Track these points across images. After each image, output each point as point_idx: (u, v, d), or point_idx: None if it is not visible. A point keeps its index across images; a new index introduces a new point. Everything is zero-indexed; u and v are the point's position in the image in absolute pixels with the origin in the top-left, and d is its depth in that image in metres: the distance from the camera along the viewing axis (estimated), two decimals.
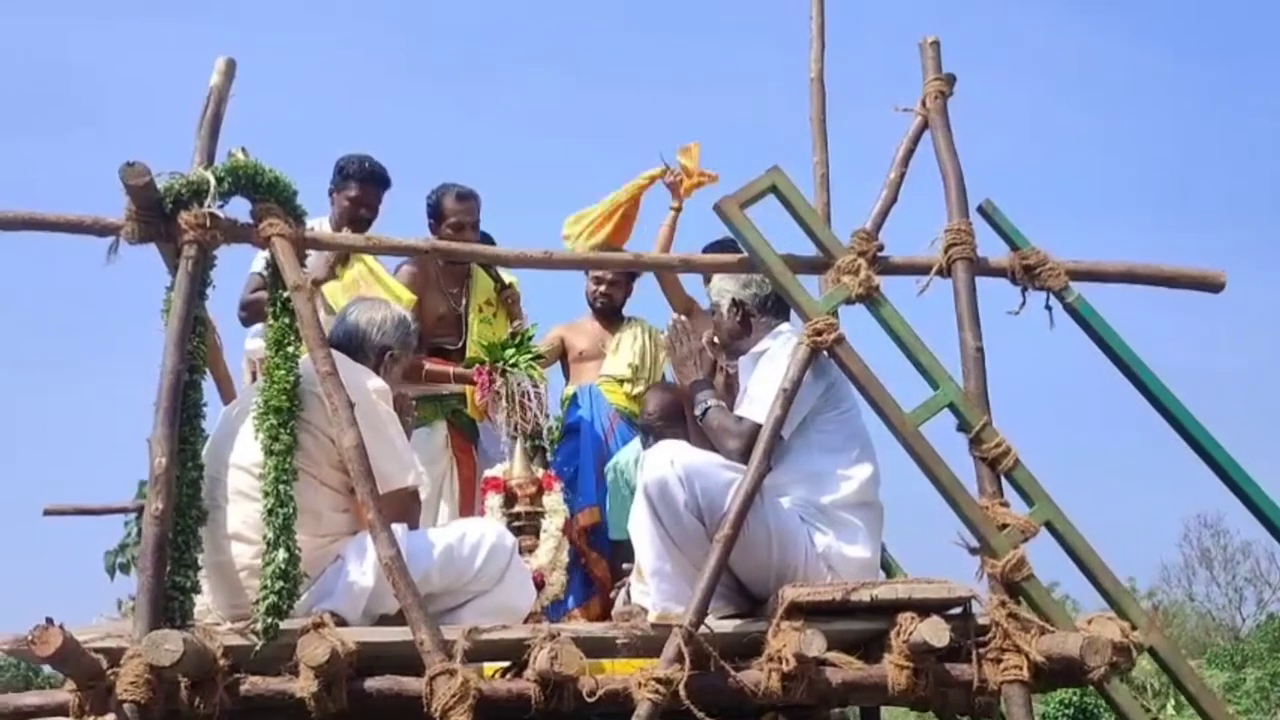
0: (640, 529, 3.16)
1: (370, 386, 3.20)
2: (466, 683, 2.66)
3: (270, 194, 3.13)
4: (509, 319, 4.87)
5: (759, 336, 3.51)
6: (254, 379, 4.35)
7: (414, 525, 3.22)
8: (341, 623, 2.90)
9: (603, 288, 5.17)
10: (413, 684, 2.72)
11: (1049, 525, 3.06)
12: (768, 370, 3.28)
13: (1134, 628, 2.94)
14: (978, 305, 3.28)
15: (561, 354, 5.26)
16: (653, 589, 3.13)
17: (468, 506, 4.62)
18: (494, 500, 4.42)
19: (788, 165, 3.42)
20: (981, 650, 2.91)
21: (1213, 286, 3.50)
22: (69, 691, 2.72)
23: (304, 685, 2.69)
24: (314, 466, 3.07)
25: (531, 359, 4.56)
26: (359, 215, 4.62)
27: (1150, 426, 3.43)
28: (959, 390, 3.17)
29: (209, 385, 3.19)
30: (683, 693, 2.72)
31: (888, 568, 4.14)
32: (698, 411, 3.38)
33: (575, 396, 5.10)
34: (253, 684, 2.74)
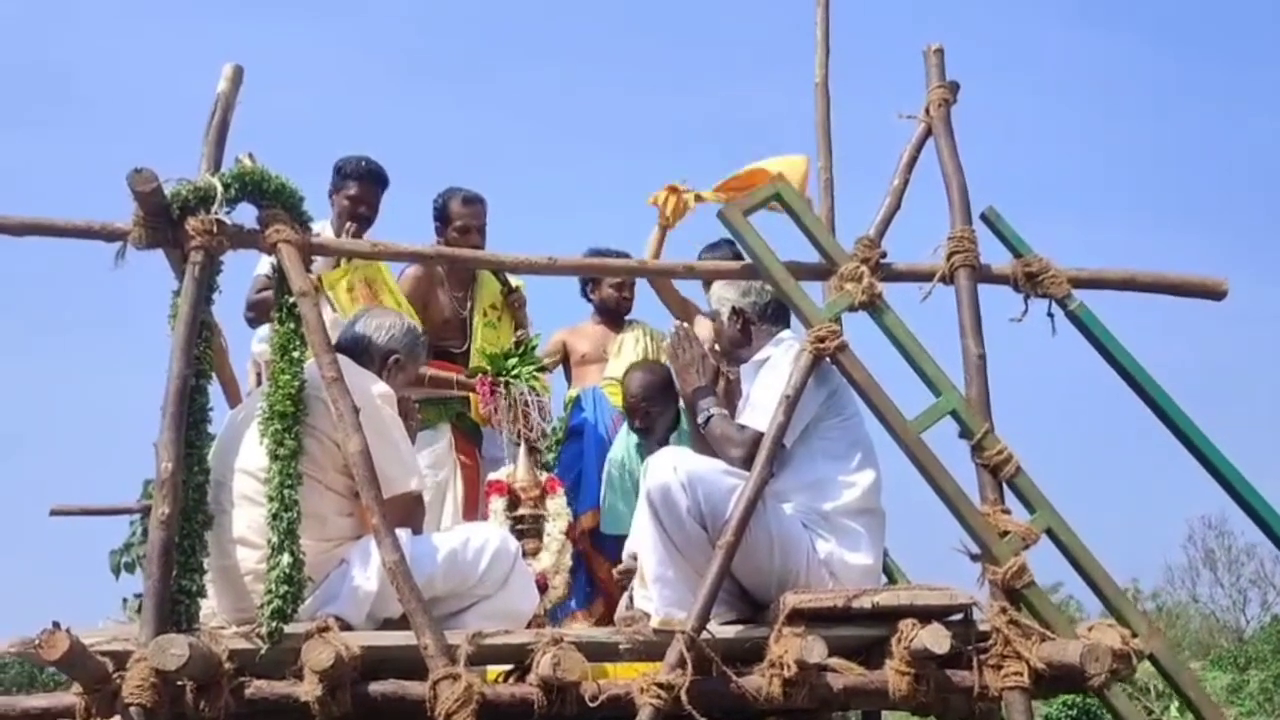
0: (643, 534, 3.18)
1: (375, 391, 3.21)
2: (470, 687, 2.68)
3: (277, 200, 3.15)
4: (514, 323, 4.89)
5: (760, 344, 3.52)
6: (259, 382, 4.37)
7: (418, 529, 3.23)
8: (346, 627, 2.91)
9: (625, 292, 5.22)
10: (416, 688, 2.74)
11: (1050, 532, 3.08)
12: (770, 378, 3.29)
13: (1134, 634, 2.96)
14: (980, 312, 3.30)
15: (564, 358, 5.29)
16: (655, 594, 3.14)
17: (471, 510, 4.63)
18: (498, 503, 4.43)
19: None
20: (982, 656, 2.93)
21: (1215, 294, 3.51)
22: (75, 694, 2.74)
23: (308, 689, 2.71)
24: (319, 471, 3.09)
25: (534, 369, 4.58)
26: (359, 214, 4.64)
27: (1154, 429, 3.45)
28: (961, 397, 3.18)
29: (215, 389, 3.20)
30: (684, 698, 2.74)
31: (890, 573, 4.16)
32: (700, 420, 3.40)
33: (579, 399, 5.12)
34: (257, 687, 2.77)
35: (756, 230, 3.31)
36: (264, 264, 4.01)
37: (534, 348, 4.73)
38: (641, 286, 5.27)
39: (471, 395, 4.64)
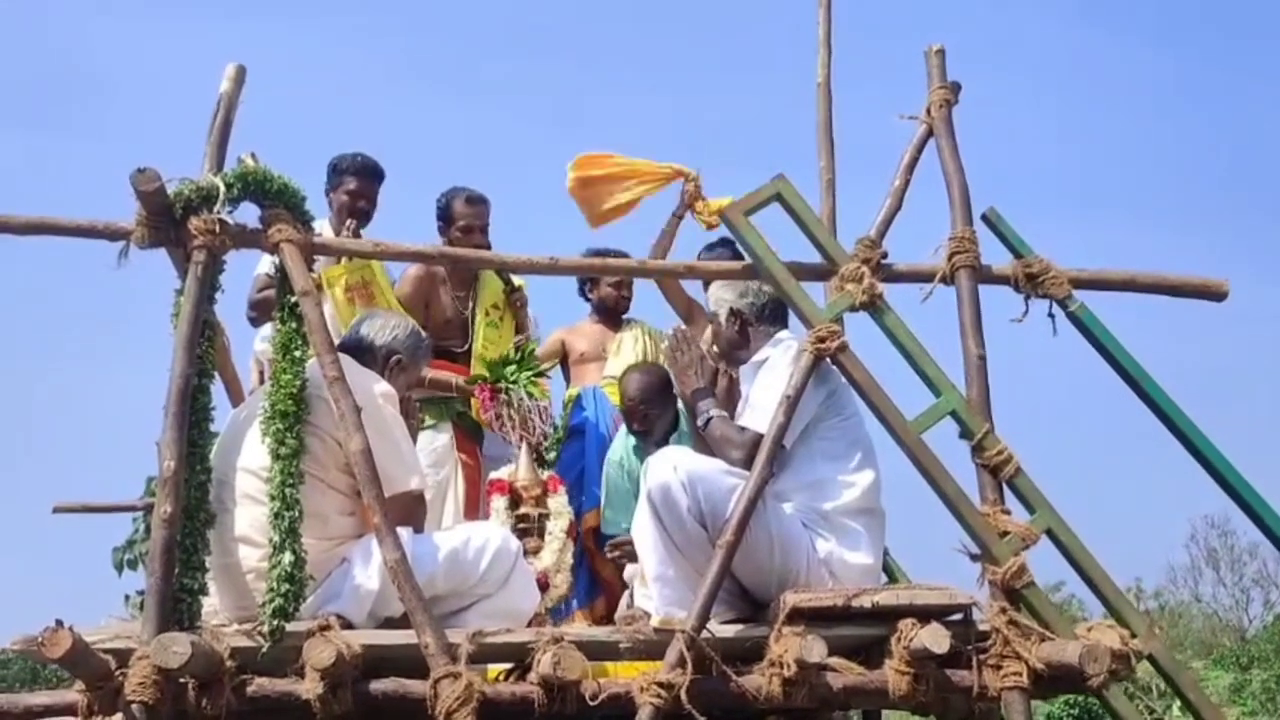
0: (643, 534, 3.19)
1: (376, 390, 3.22)
2: (470, 685, 2.69)
3: (279, 200, 3.16)
4: (516, 323, 4.91)
5: (758, 345, 3.53)
6: (262, 380, 4.39)
7: (419, 528, 3.24)
8: (347, 625, 2.93)
9: (623, 291, 5.26)
10: (417, 686, 2.75)
11: (1050, 533, 3.08)
12: (769, 379, 3.30)
13: (1133, 635, 2.96)
14: (980, 313, 3.30)
15: (563, 356, 5.31)
16: (655, 594, 3.15)
17: (472, 508, 4.64)
18: (499, 502, 4.44)
19: (793, 171, 3.46)
20: (982, 656, 2.94)
21: (1215, 295, 3.51)
22: (78, 692, 2.75)
23: (310, 687, 2.72)
24: (321, 470, 3.10)
25: (532, 376, 4.60)
26: (358, 209, 4.68)
27: (1157, 428, 3.45)
28: (961, 398, 3.18)
29: (218, 388, 3.21)
30: (684, 697, 2.75)
31: (890, 572, 4.16)
32: (700, 421, 3.40)
33: (579, 398, 5.13)
34: (259, 685, 2.77)
35: (758, 230, 3.32)
36: (265, 263, 4.02)
37: (533, 353, 4.75)
38: (641, 287, 5.29)
39: (472, 398, 4.66)
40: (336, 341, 3.38)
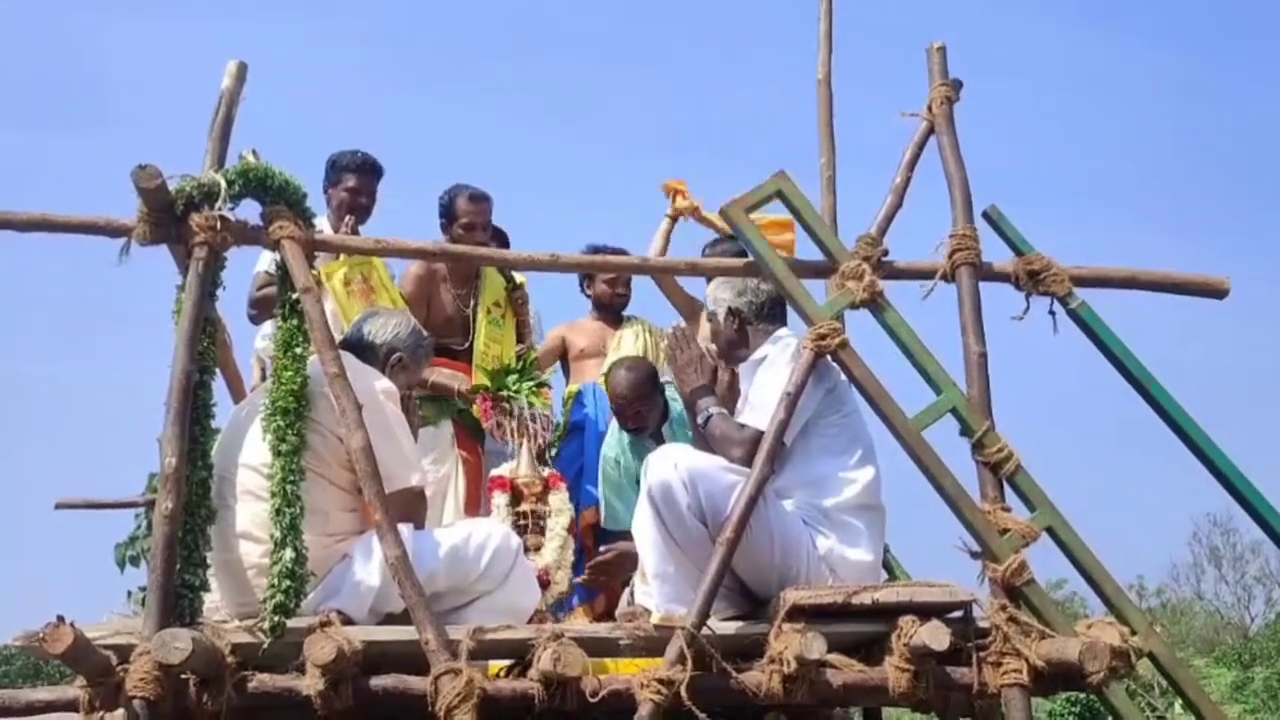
0: (643, 531, 3.19)
1: (378, 387, 3.23)
2: (471, 682, 2.69)
3: (280, 196, 3.16)
4: (517, 320, 4.92)
5: (757, 343, 3.53)
6: (263, 377, 4.39)
7: (419, 525, 3.25)
8: (348, 621, 2.93)
9: (619, 289, 5.29)
10: (418, 683, 2.75)
11: (1050, 530, 3.08)
12: (768, 376, 3.30)
13: (1133, 633, 2.96)
14: (981, 310, 3.30)
15: (562, 353, 5.32)
16: (656, 591, 3.15)
17: (473, 505, 4.65)
18: (500, 499, 4.45)
19: (793, 168, 3.46)
20: (982, 654, 2.94)
21: (1217, 293, 3.51)
22: (79, 687, 2.76)
23: (310, 683, 2.72)
24: (322, 466, 3.10)
25: (534, 386, 4.61)
26: (359, 204, 4.70)
27: (1158, 426, 3.45)
28: (962, 395, 3.18)
29: (219, 385, 3.22)
30: (684, 694, 2.75)
31: (890, 569, 4.17)
32: (700, 420, 3.40)
33: (579, 394, 5.14)
34: (260, 681, 2.78)
35: (758, 228, 3.32)
36: (264, 261, 4.03)
37: (534, 362, 4.78)
38: (641, 284, 5.30)
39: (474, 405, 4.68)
40: (339, 336, 3.39)
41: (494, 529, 3.38)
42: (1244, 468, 3.35)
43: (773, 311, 3.57)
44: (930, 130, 3.53)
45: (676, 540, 3.13)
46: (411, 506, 3.22)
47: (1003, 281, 3.42)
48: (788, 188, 3.34)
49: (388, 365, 3.44)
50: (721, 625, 3.01)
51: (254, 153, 3.21)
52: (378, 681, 2.79)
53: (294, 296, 3.14)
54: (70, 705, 2.81)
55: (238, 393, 4.11)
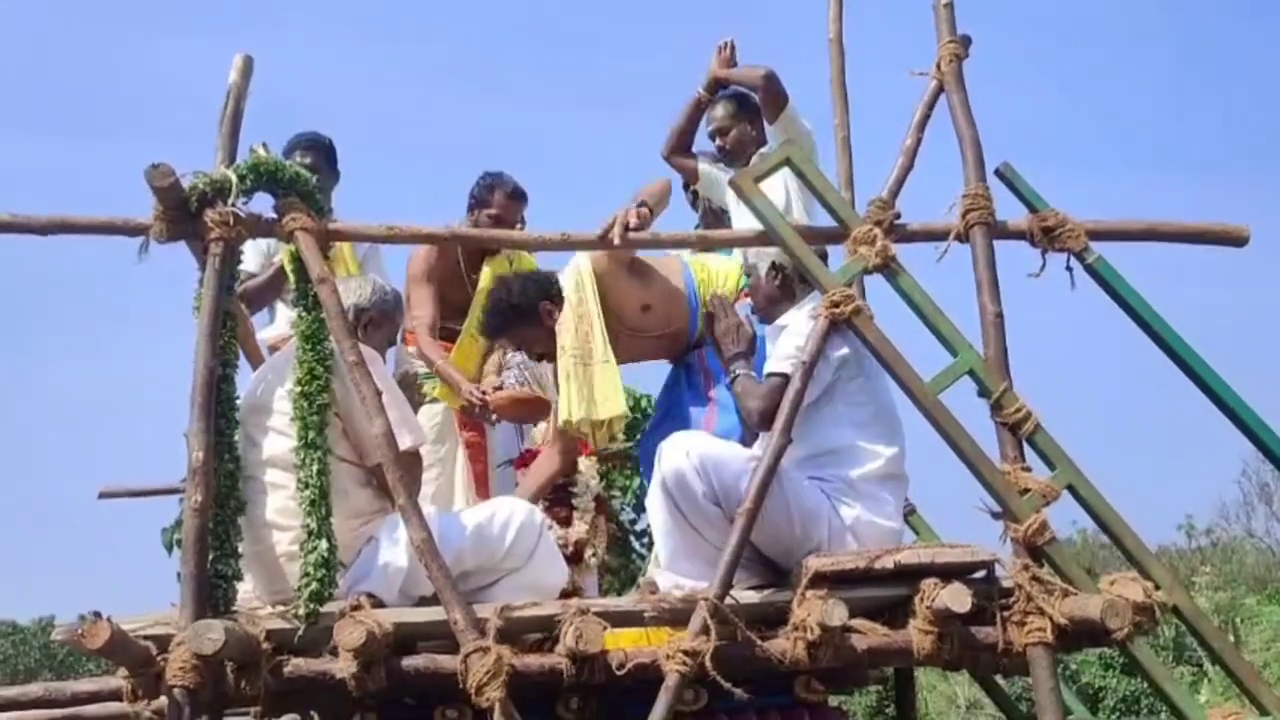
0: (659, 520, 3.21)
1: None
2: (500, 659, 2.74)
3: (291, 189, 3.18)
4: None
5: (798, 301, 3.49)
6: None
7: (417, 485, 3.23)
8: (379, 604, 2.99)
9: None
10: (448, 662, 2.81)
11: (1071, 488, 3.08)
12: (787, 342, 3.29)
13: (1157, 587, 2.96)
14: (996, 270, 3.27)
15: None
16: (676, 575, 3.17)
17: (483, 486, 4.61)
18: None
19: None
20: (1005, 613, 2.95)
21: (1236, 241, 3.46)
22: (122, 678, 2.85)
23: (344, 666, 2.79)
24: (331, 444, 3.12)
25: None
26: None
27: None
28: (979, 356, 3.17)
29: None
30: (710, 664, 2.78)
31: (917, 529, 4.17)
32: (728, 380, 3.40)
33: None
34: (295, 666, 2.85)
35: (768, 197, 3.31)
36: (249, 260, 4.01)
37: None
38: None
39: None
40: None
41: (517, 507, 3.41)
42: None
43: None
44: (940, 89, 3.48)
45: (693, 524, 3.15)
46: (406, 466, 3.16)
47: (1018, 239, 3.38)
48: (796, 155, 3.33)
49: (360, 327, 3.43)
50: (744, 594, 3.04)
51: (264, 146, 3.23)
52: (409, 662, 2.85)
53: (312, 288, 3.16)
54: (114, 695, 2.90)
55: None
